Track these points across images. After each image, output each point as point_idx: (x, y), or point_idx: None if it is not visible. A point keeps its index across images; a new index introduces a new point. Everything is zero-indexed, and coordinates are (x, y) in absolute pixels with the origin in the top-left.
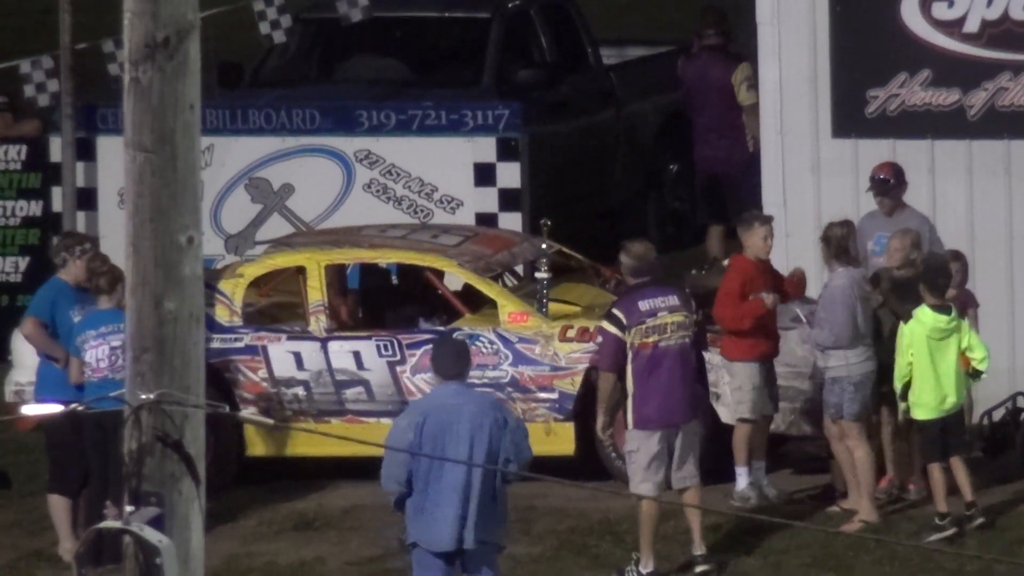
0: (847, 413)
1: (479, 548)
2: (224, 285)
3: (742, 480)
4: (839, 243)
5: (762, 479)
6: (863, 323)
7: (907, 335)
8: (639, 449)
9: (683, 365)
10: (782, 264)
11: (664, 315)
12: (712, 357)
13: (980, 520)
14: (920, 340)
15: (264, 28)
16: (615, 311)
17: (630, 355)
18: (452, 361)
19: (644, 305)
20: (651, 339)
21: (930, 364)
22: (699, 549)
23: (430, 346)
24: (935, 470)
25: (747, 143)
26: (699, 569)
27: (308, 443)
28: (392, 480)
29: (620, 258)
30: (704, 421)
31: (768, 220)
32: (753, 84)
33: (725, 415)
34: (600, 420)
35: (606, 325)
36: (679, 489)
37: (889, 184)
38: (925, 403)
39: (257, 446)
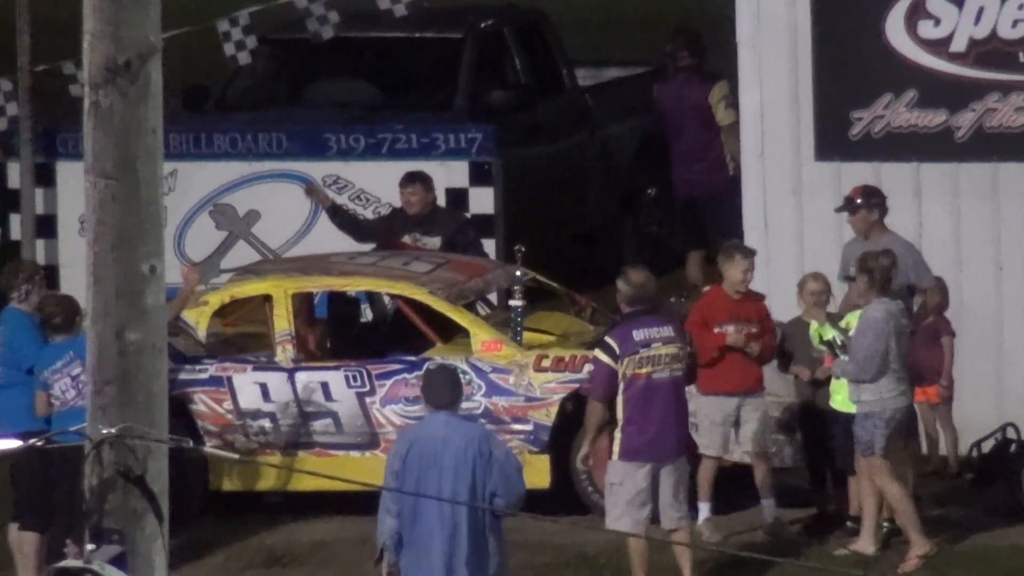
0: (878, 449)
1: None
2: (188, 314)
3: (701, 514)
4: (883, 274)
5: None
6: (895, 358)
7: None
8: (623, 482)
9: (676, 398)
10: (764, 289)
11: (658, 346)
12: (688, 387)
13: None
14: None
15: (229, 49)
16: (608, 340)
17: (622, 385)
18: (442, 390)
19: (639, 335)
20: (644, 370)
21: None
22: None
23: (400, 376)
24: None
25: (727, 165)
26: None
27: (275, 477)
28: (385, 514)
29: (617, 284)
30: (691, 457)
31: (751, 253)
32: (731, 103)
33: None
34: (583, 449)
35: (599, 354)
36: (670, 529)
37: (854, 204)
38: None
39: (222, 480)
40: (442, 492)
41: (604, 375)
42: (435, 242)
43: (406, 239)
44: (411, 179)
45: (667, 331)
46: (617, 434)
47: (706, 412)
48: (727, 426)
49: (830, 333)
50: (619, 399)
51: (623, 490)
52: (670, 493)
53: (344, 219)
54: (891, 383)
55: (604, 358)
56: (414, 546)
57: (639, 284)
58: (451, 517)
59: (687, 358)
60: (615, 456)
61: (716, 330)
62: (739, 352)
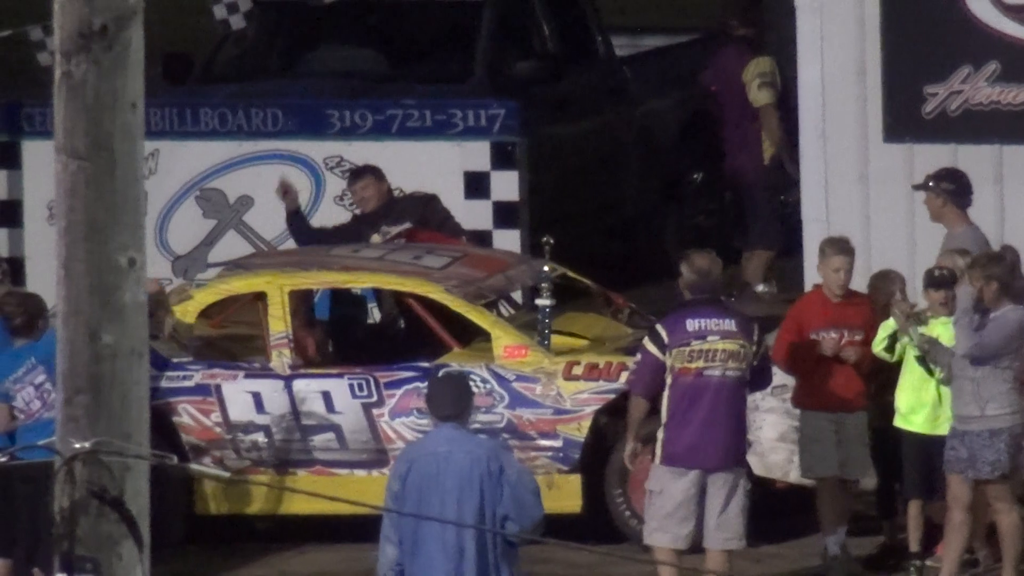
0: (1008, 470)
1: None
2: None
3: (831, 548)
4: (1012, 274)
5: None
6: (1018, 368)
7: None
8: (663, 491)
9: (729, 401)
10: None
11: (715, 340)
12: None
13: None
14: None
15: (219, 12)
16: (659, 327)
17: (668, 380)
18: (446, 399)
19: (692, 325)
20: (694, 365)
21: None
22: None
23: (411, 385)
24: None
25: (761, 153)
26: None
27: (269, 499)
28: (386, 542)
29: (680, 269)
30: (751, 474)
31: (845, 250)
32: (767, 81)
33: (757, 467)
34: (628, 447)
35: (646, 342)
36: (712, 549)
37: (927, 187)
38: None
39: (208, 502)
40: (445, 517)
41: (649, 367)
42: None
43: (375, 238)
44: (360, 174)
45: (728, 324)
46: (659, 435)
47: (803, 429)
48: (825, 444)
49: (912, 344)
50: (664, 396)
51: (662, 500)
52: (717, 509)
53: (302, 228)
54: (1015, 396)
55: (651, 348)
56: None
57: (703, 270)
58: (456, 545)
59: (754, 358)
60: (656, 460)
61: (812, 336)
62: (836, 362)
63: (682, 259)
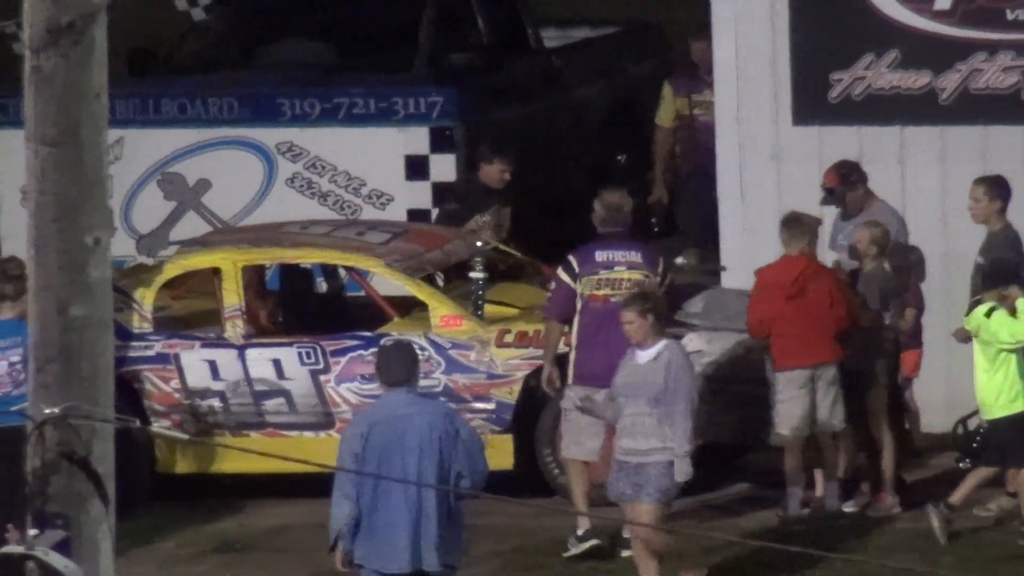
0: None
1: (441, 572)
2: (134, 288)
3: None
4: None
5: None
6: None
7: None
8: (574, 408)
9: None
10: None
11: (621, 269)
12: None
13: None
14: None
15: (181, 4)
16: (570, 257)
17: (579, 306)
18: (398, 366)
19: (601, 256)
20: (601, 292)
21: None
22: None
23: (355, 353)
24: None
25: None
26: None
27: (226, 459)
28: (343, 499)
29: (593, 205)
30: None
31: None
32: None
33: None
34: (545, 371)
35: (559, 272)
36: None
37: (836, 192)
38: None
39: (169, 463)
40: (407, 474)
41: (562, 294)
42: (506, 213)
43: (485, 218)
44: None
45: (634, 255)
46: (571, 357)
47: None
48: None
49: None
50: (575, 322)
51: (575, 416)
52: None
53: None
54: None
55: (564, 276)
56: (376, 533)
57: (613, 205)
58: (417, 500)
59: (659, 288)
60: (569, 380)
61: None
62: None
63: (596, 196)
